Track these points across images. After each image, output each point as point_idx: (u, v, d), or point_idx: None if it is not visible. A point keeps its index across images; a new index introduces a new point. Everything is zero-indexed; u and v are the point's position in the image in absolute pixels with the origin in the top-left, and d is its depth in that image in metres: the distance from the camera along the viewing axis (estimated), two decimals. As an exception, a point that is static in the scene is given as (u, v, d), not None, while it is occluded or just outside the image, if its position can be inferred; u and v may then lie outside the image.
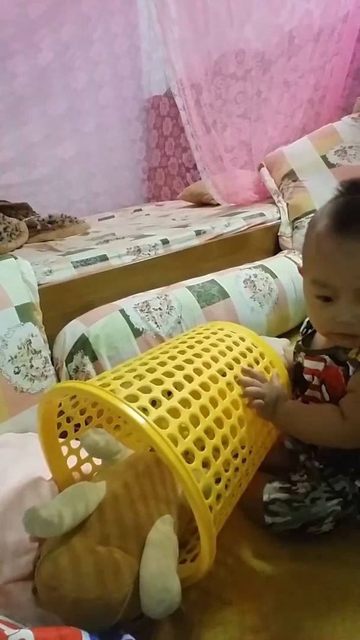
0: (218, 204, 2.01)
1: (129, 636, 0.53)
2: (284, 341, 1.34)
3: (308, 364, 0.73)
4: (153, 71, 2.97)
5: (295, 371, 0.78)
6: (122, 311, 1.19)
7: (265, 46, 1.78)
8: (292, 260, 1.51)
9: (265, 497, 0.72)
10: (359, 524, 0.72)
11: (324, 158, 1.72)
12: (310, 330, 0.78)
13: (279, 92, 1.89)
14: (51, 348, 1.19)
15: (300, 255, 1.61)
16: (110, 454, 0.69)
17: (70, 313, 1.23)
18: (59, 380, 1.15)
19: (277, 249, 1.68)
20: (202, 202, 2.23)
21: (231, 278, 1.37)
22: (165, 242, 1.45)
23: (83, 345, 1.13)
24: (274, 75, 1.82)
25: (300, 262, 1.54)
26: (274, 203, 1.80)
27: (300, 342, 0.80)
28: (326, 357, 0.69)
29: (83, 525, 0.57)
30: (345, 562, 0.68)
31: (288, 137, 1.95)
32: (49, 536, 0.56)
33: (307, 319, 0.78)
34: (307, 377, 0.73)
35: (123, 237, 1.59)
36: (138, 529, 0.59)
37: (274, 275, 1.43)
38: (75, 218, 2.16)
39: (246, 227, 1.61)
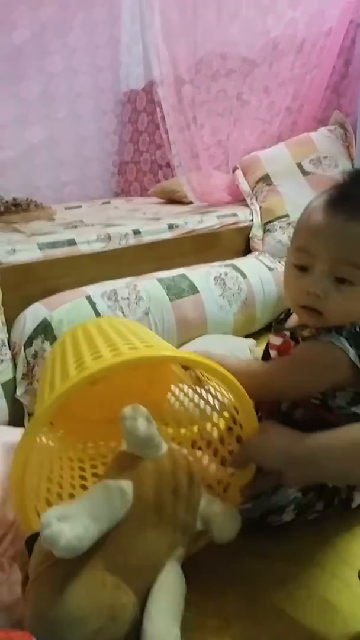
0: (190, 203, 1.99)
1: None
2: (251, 341, 1.33)
3: (272, 340, 0.75)
4: (132, 65, 2.93)
5: (265, 354, 0.80)
6: (89, 298, 1.14)
7: (249, 48, 1.78)
8: (263, 263, 1.51)
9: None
10: (319, 521, 0.71)
11: (299, 165, 1.73)
12: (284, 316, 0.81)
13: (259, 97, 1.90)
14: (9, 332, 1.12)
15: (271, 258, 1.61)
16: (150, 446, 0.57)
17: (33, 296, 1.16)
18: (15, 365, 1.08)
19: (247, 250, 1.67)
20: (174, 199, 2.20)
21: (202, 274, 1.35)
22: (137, 232, 1.40)
23: (44, 329, 1.07)
24: (256, 79, 1.83)
25: (271, 264, 1.55)
26: (246, 205, 1.79)
27: (274, 323, 0.82)
28: (287, 332, 0.72)
29: (97, 542, 0.48)
30: (308, 562, 0.66)
31: (264, 143, 1.95)
32: (65, 557, 0.46)
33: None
34: (272, 353, 0.75)
35: (92, 225, 1.53)
36: (150, 562, 0.52)
37: (244, 275, 1.41)
38: (41, 203, 2.07)
39: (219, 226, 1.60)
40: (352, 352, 0.62)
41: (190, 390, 0.75)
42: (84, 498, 0.50)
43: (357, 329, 0.64)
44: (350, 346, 0.62)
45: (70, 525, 0.45)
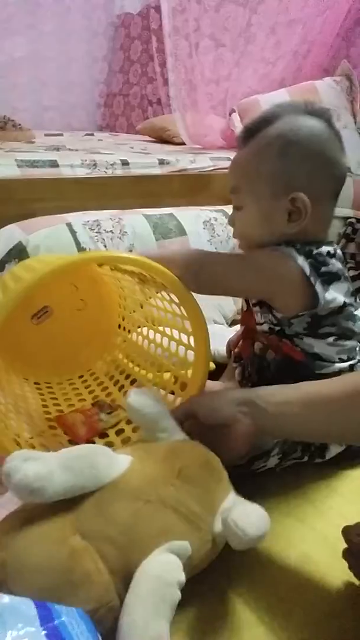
0: (180, 144, 1.87)
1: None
2: (235, 292, 1.28)
3: None
4: (128, -15, 2.68)
5: None
6: (69, 225, 1.05)
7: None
8: (254, 212, 1.44)
9: None
10: (298, 474, 0.69)
11: (301, 114, 1.64)
12: None
13: (265, 33, 1.77)
14: (-21, 252, 1.02)
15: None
16: (158, 429, 0.54)
17: (7, 218, 1.06)
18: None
19: (238, 199, 1.59)
20: (164, 138, 2.07)
21: (191, 216, 1.27)
22: (125, 162, 1.30)
23: (19, 254, 0.98)
24: (266, 12, 1.69)
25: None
26: (240, 152, 1.70)
27: None
28: None
29: (74, 501, 0.44)
30: (286, 514, 0.65)
31: (265, 87, 1.83)
32: (25, 501, 0.44)
33: None
34: None
35: (77, 150, 1.41)
36: (133, 539, 0.42)
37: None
38: (20, 124, 1.91)
39: (212, 168, 1.51)
40: (307, 269, 0.59)
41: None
42: (62, 451, 0.46)
43: (315, 251, 0.62)
44: (309, 266, 0.60)
45: (33, 465, 0.42)
